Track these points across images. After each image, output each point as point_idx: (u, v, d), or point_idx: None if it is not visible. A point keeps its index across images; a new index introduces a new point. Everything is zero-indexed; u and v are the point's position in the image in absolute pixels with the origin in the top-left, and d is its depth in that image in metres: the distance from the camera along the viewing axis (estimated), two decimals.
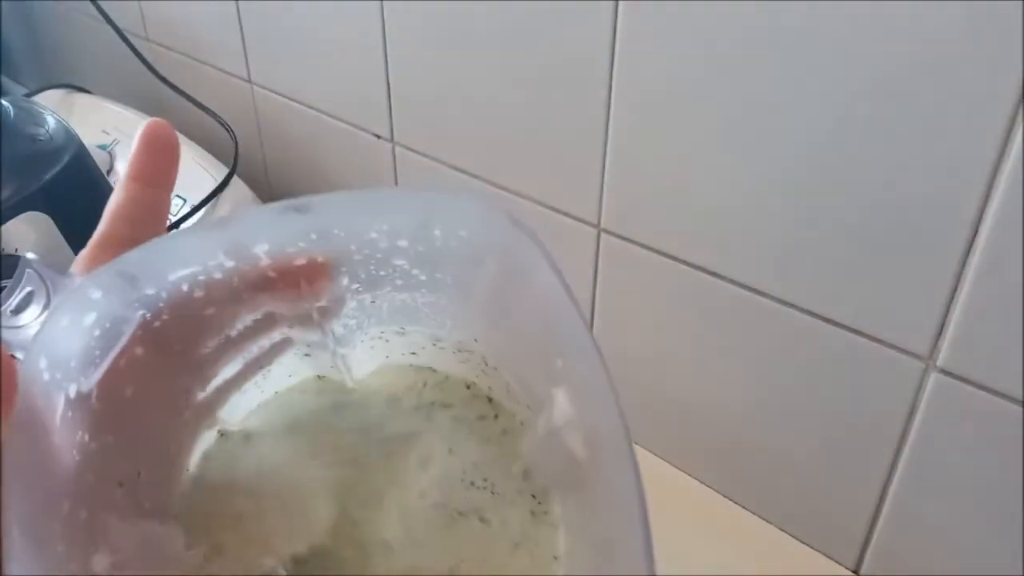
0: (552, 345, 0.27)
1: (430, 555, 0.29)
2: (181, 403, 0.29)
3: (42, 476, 0.23)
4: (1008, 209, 0.33)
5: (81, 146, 0.67)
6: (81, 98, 0.87)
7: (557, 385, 0.27)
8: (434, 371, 0.34)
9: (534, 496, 0.30)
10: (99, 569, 0.23)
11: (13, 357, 0.23)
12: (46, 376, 0.23)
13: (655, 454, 0.53)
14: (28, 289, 0.29)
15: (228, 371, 0.31)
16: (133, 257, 0.25)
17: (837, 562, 0.46)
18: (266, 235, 0.27)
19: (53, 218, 0.61)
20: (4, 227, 0.59)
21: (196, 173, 0.71)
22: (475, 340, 0.32)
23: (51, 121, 0.69)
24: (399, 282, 0.30)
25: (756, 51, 0.38)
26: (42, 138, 0.66)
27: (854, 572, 0.46)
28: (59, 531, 0.23)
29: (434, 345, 0.34)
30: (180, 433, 0.29)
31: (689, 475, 0.52)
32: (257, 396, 0.33)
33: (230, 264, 0.27)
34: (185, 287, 0.26)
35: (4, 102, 0.68)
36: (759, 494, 0.49)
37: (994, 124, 0.33)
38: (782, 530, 0.48)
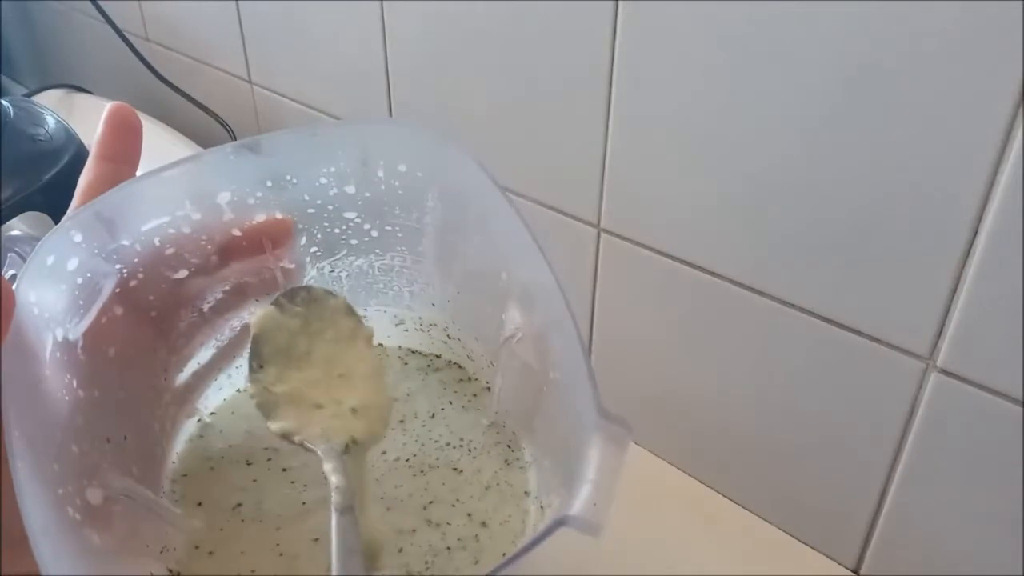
0: (498, 260, 0.29)
1: (402, 497, 0.30)
2: (160, 382, 0.30)
3: (35, 400, 0.24)
4: (1008, 209, 0.33)
5: (81, 146, 0.67)
6: (81, 98, 0.87)
7: (506, 300, 0.29)
8: (399, 347, 0.36)
9: (509, 446, 0.32)
10: (94, 500, 0.24)
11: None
12: (35, 311, 0.24)
13: (655, 454, 0.53)
14: (11, 272, 0.30)
15: (202, 355, 0.32)
16: (109, 199, 0.27)
17: (837, 562, 0.46)
18: (226, 181, 0.29)
19: (53, 218, 0.61)
20: (4, 227, 0.59)
21: None
22: (433, 305, 0.33)
23: (51, 121, 0.69)
24: (353, 241, 0.32)
25: (755, 50, 0.38)
26: (42, 138, 0.66)
27: (854, 572, 0.46)
28: (53, 453, 0.24)
29: (397, 327, 0.35)
30: (162, 414, 0.30)
31: (689, 475, 0.52)
32: (230, 392, 0.34)
33: (196, 216, 0.29)
34: (157, 241, 0.28)
35: (4, 102, 0.68)
36: (759, 494, 0.49)
37: (994, 124, 0.33)
38: (782, 530, 0.48)
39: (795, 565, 0.47)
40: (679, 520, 0.49)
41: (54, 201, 0.62)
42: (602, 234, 0.49)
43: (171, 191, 0.28)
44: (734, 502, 0.50)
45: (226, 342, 0.33)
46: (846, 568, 0.46)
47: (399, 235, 0.32)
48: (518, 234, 0.27)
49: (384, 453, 0.32)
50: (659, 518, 0.49)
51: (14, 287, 0.23)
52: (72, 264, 0.26)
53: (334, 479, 0.27)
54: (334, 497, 0.26)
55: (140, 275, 0.28)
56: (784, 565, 0.47)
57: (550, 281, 0.26)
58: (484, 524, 0.29)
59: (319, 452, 0.28)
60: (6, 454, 0.21)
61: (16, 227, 0.58)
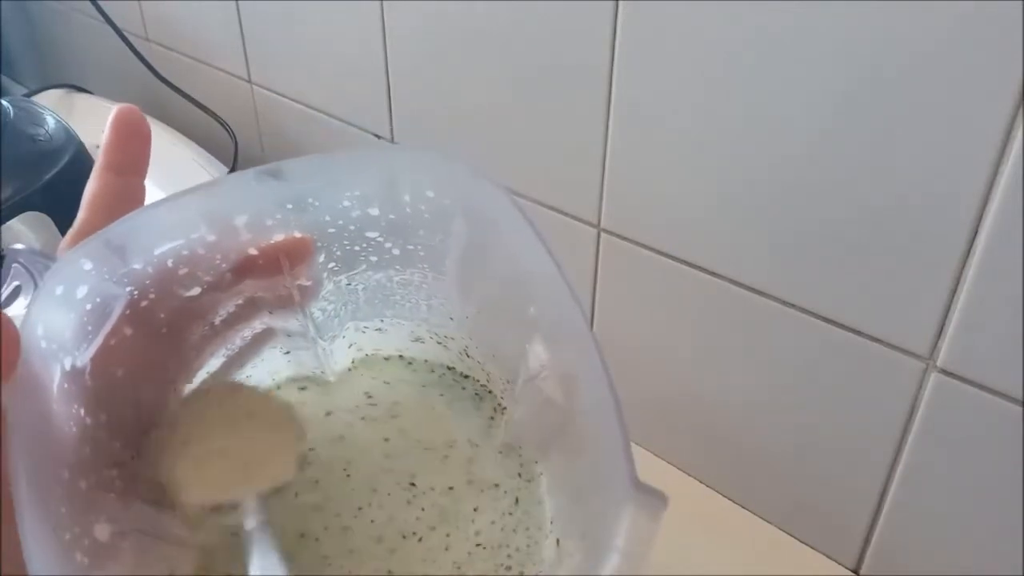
0: (524, 293, 0.28)
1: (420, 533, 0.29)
2: (169, 396, 0.30)
3: (42, 440, 0.23)
4: (1008, 209, 0.33)
5: (81, 146, 0.67)
6: (81, 98, 0.87)
7: (532, 334, 0.28)
8: (413, 360, 0.35)
9: (520, 475, 0.31)
10: (101, 537, 0.24)
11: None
12: (43, 344, 0.24)
13: (655, 454, 0.53)
14: (15, 284, 0.29)
15: (212, 364, 0.31)
16: (120, 227, 0.25)
17: (837, 562, 0.46)
18: (245, 205, 0.28)
19: (53, 218, 0.61)
20: (4, 227, 0.59)
21: (195, 173, 0.71)
22: (451, 319, 0.33)
23: (51, 121, 0.69)
24: (373, 258, 0.31)
25: (755, 51, 0.38)
26: (42, 138, 0.66)
27: (854, 572, 0.46)
28: (61, 494, 0.23)
29: (414, 343, 0.35)
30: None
31: (689, 475, 0.52)
32: None
33: (212, 238, 0.27)
34: (170, 263, 0.27)
35: (4, 102, 0.68)
36: (759, 494, 0.49)
37: (994, 123, 0.33)
38: (782, 530, 0.48)
39: (795, 565, 0.47)
40: (679, 520, 0.49)
41: (54, 201, 0.62)
42: (602, 234, 0.49)
43: (187, 216, 0.27)
44: (734, 502, 0.50)
45: (236, 351, 0.32)
46: (846, 568, 0.46)
47: (421, 254, 0.31)
48: (549, 275, 0.26)
49: (414, 485, 0.31)
50: None
51: (19, 324, 0.23)
52: (81, 291, 0.25)
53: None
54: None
55: (151, 295, 0.27)
56: (784, 565, 0.47)
57: (584, 332, 0.25)
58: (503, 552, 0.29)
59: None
60: (8, 499, 0.21)
61: (19, 238, 0.58)
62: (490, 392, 0.34)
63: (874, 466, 0.42)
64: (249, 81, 0.73)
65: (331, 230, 0.30)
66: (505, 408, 0.33)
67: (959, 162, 0.34)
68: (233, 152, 0.76)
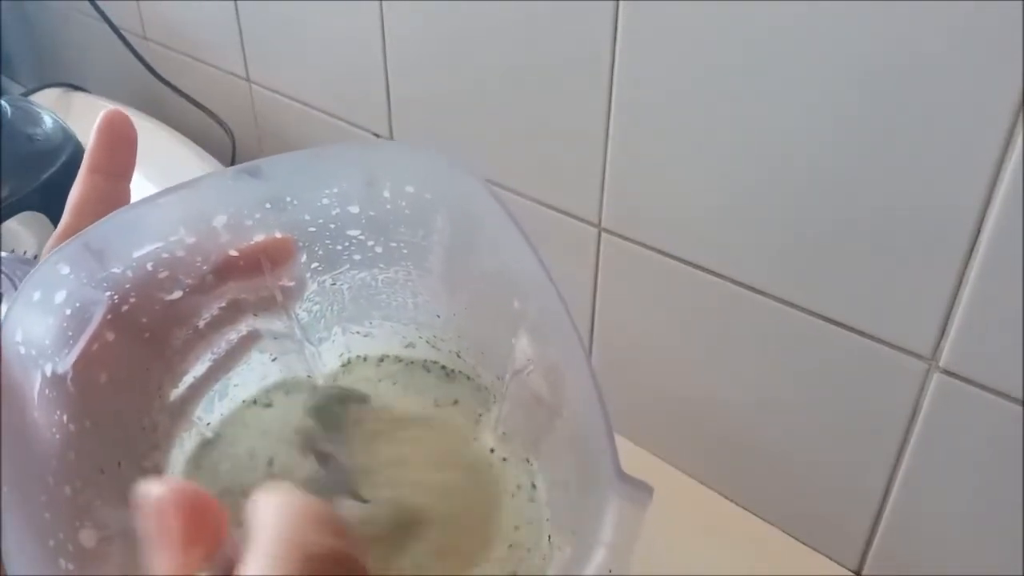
0: (510, 287, 0.28)
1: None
2: (155, 401, 0.29)
3: (23, 447, 0.23)
4: (1010, 209, 0.33)
5: (78, 145, 0.67)
6: (79, 97, 0.86)
7: (517, 328, 0.28)
8: (400, 359, 0.35)
9: (516, 472, 0.31)
10: (87, 543, 0.24)
11: None
12: (22, 350, 0.23)
13: (655, 454, 0.53)
14: None
15: (198, 368, 0.31)
16: (99, 230, 0.25)
17: (839, 563, 0.46)
18: (223, 205, 0.28)
19: (50, 218, 0.61)
20: (1, 227, 0.58)
21: (193, 172, 0.71)
22: (438, 316, 0.33)
23: (48, 120, 0.69)
24: (356, 256, 0.31)
25: (756, 51, 0.38)
26: (39, 137, 0.66)
27: (856, 573, 0.46)
28: (45, 501, 0.23)
29: (406, 348, 0.35)
30: (156, 431, 0.30)
31: (689, 475, 0.52)
32: (230, 403, 0.33)
33: (191, 240, 0.27)
34: (150, 266, 0.27)
35: (1, 101, 0.68)
36: (760, 494, 0.49)
37: (996, 123, 0.33)
38: (783, 531, 0.48)
39: (797, 566, 0.47)
40: (681, 522, 0.49)
41: (51, 201, 0.61)
42: (603, 234, 0.49)
43: (166, 218, 0.27)
44: (736, 504, 0.50)
45: (223, 353, 0.32)
46: (848, 569, 0.46)
47: (404, 251, 0.31)
48: (532, 269, 0.26)
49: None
50: (660, 520, 0.49)
51: None
52: (60, 297, 0.25)
53: None
54: None
55: (132, 300, 0.27)
56: (786, 566, 0.47)
57: (567, 325, 0.25)
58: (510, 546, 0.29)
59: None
60: None
61: (16, 238, 0.57)
62: (479, 390, 0.34)
63: (876, 467, 0.42)
64: (247, 80, 0.73)
65: (311, 229, 0.30)
66: (496, 404, 0.33)
67: (961, 162, 0.34)
68: (231, 151, 0.76)
